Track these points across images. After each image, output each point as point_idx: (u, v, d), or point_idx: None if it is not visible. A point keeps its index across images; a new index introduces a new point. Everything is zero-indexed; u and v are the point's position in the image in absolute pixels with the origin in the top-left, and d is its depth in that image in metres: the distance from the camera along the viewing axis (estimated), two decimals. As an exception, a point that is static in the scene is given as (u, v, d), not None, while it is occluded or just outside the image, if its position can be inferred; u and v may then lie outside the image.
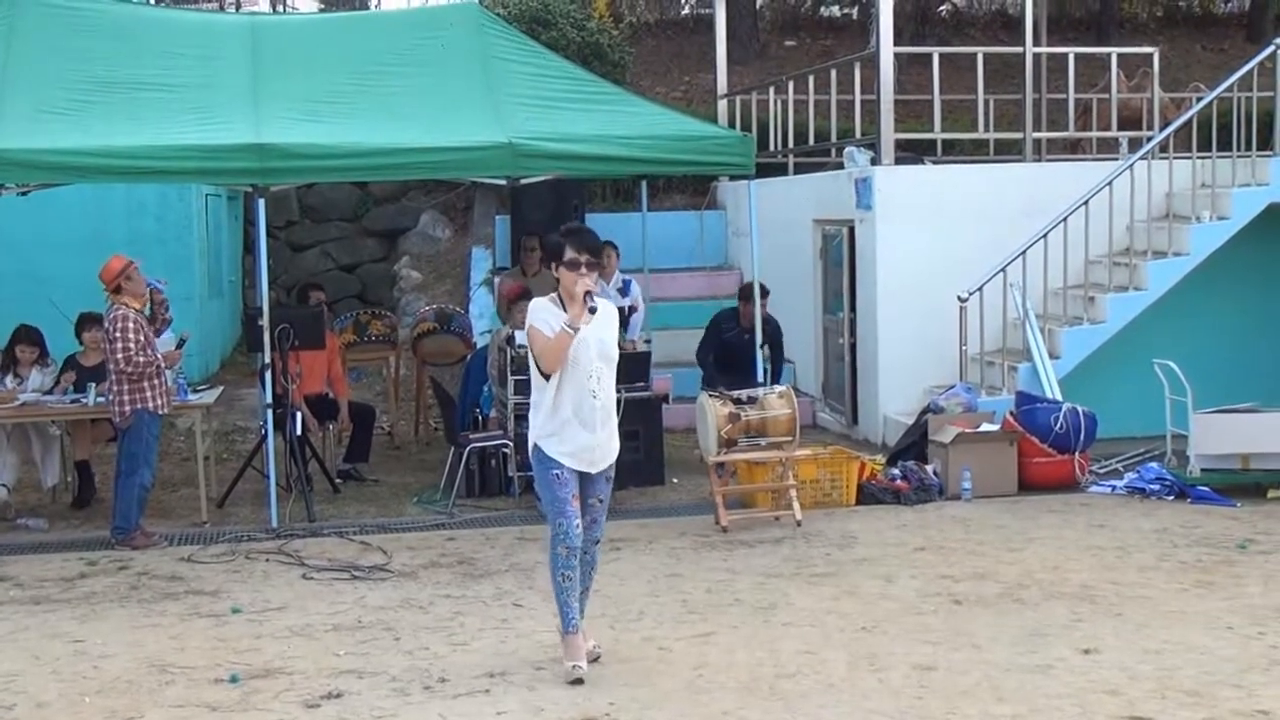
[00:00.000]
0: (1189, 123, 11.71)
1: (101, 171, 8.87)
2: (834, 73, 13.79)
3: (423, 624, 6.98)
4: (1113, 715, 5.59)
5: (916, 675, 6.09)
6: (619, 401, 6.39)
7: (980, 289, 10.94)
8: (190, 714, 5.81)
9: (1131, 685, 5.92)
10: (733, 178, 14.19)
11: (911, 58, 15.26)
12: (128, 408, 8.74)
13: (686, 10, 23.49)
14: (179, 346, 9.73)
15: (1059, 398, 10.41)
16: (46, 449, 9.98)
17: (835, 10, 23.68)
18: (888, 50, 11.80)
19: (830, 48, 20.39)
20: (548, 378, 6.07)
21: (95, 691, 6.10)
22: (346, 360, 11.64)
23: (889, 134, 11.82)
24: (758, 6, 21.59)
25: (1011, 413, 10.22)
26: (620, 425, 6.32)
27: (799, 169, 14.39)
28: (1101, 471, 10.33)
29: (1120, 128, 13.41)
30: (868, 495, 9.64)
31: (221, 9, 18.28)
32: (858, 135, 12.89)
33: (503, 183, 11.94)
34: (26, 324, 10.11)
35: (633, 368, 9.64)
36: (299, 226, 16.47)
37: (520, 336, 8.78)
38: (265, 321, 9.29)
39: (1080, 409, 10.00)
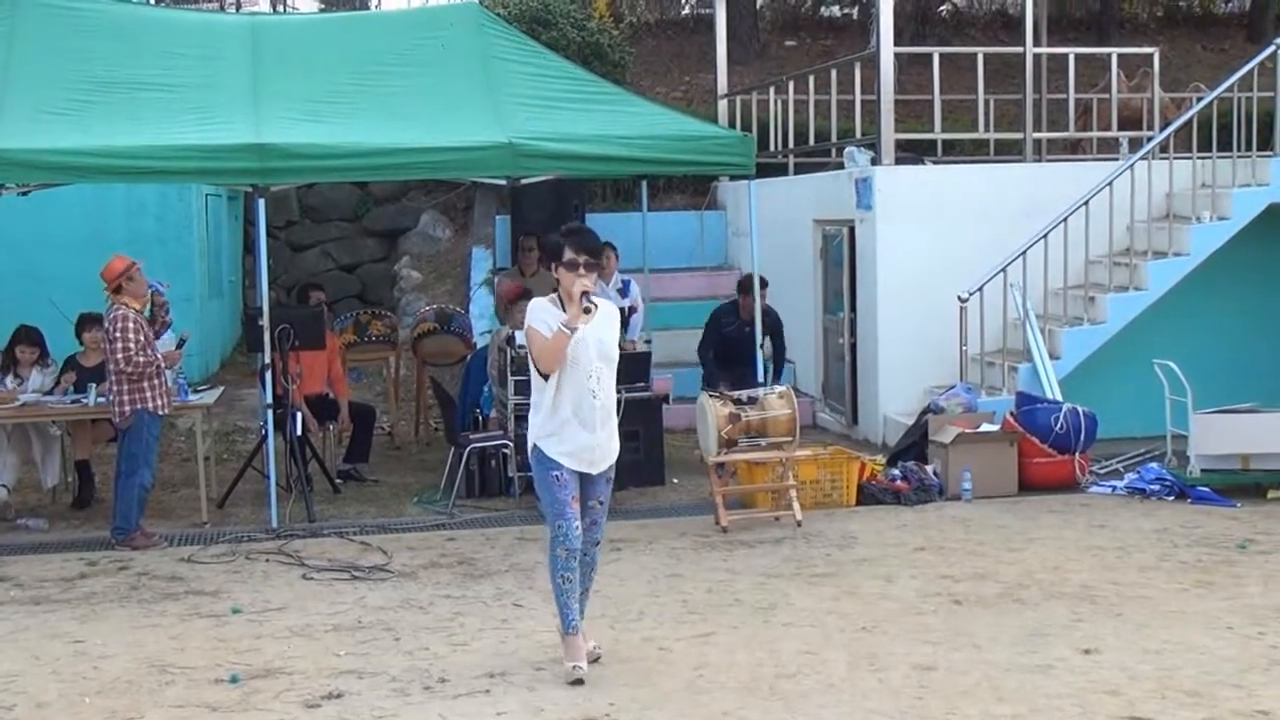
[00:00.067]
0: (1189, 123, 11.72)
1: (101, 171, 8.88)
2: (834, 73, 13.79)
3: (423, 624, 6.98)
4: (1113, 715, 5.59)
5: (917, 675, 6.09)
6: (620, 402, 6.38)
7: (980, 289, 10.94)
8: (190, 714, 5.81)
9: (1132, 685, 5.92)
10: (733, 178, 14.20)
11: (912, 58, 15.27)
12: (128, 408, 8.74)
13: (687, 10, 23.50)
14: (179, 346, 9.74)
15: (1059, 398, 10.41)
16: (47, 449, 9.99)
17: (835, 10, 23.69)
18: (888, 50, 11.80)
19: (830, 48, 20.39)
20: (546, 378, 6.07)
21: (95, 692, 6.10)
22: (347, 360, 11.64)
23: (889, 134, 11.82)
24: (758, 6, 21.59)
25: (1012, 413, 10.22)
26: (620, 426, 6.31)
27: (799, 169, 14.40)
28: (1102, 472, 10.33)
29: (1120, 128, 13.41)
30: (868, 495, 9.64)
31: (221, 9, 18.28)
32: (858, 135, 12.90)
33: (503, 183, 11.94)
34: (27, 324, 10.11)
35: (633, 368, 9.64)
36: (299, 226, 16.47)
37: (520, 337, 8.78)
38: (265, 322, 9.29)
39: (1080, 409, 10.00)
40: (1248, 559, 8.03)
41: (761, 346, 10.53)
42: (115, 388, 8.76)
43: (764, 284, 10.55)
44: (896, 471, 9.91)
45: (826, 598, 7.35)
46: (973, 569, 7.87)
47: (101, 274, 8.89)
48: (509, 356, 9.76)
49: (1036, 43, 13.68)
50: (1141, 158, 11.46)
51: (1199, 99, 12.28)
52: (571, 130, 9.48)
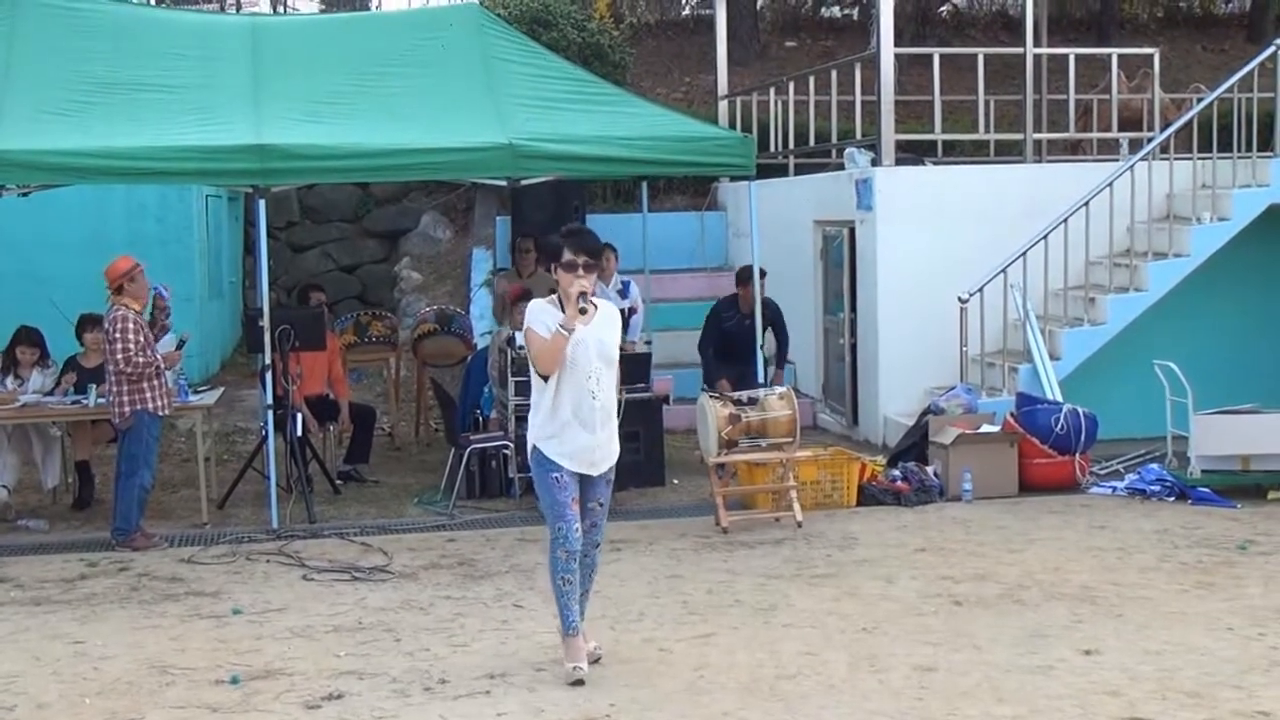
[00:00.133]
0: (1189, 123, 11.72)
1: (102, 172, 8.88)
2: (834, 73, 13.79)
3: (423, 625, 6.98)
4: (1113, 716, 5.58)
5: (917, 676, 6.09)
6: (621, 403, 6.38)
7: (981, 290, 10.94)
8: (191, 715, 5.81)
9: (1132, 686, 5.92)
10: (733, 178, 14.18)
11: (912, 58, 15.27)
12: (128, 409, 8.74)
13: (687, 11, 23.50)
14: (179, 347, 9.72)
15: (1059, 399, 10.40)
16: (47, 450, 9.99)
17: (836, 11, 23.70)
18: (888, 51, 11.80)
19: (831, 48, 20.39)
20: (546, 379, 6.07)
21: (95, 693, 6.09)
22: (347, 361, 11.64)
23: (889, 135, 11.82)
24: (758, 7, 21.59)
25: (1012, 414, 10.22)
26: (621, 426, 6.31)
27: (799, 170, 14.40)
28: (1102, 473, 10.33)
29: (1121, 128, 13.41)
30: (868, 496, 9.64)
31: (222, 10, 18.29)
32: (858, 136, 12.90)
33: (503, 184, 11.95)
34: (27, 325, 10.11)
35: (633, 369, 9.64)
36: (299, 227, 16.47)
37: (520, 338, 8.78)
38: (266, 322, 9.29)
39: (1081, 410, 10.00)
40: (1248, 560, 8.03)
41: (763, 346, 10.52)
42: (115, 388, 8.76)
43: (763, 274, 10.53)
44: (897, 472, 9.91)
45: (827, 599, 7.35)
46: (973, 570, 7.87)
47: (105, 272, 8.90)
48: (509, 357, 9.76)
49: (1037, 43, 13.67)
50: (1142, 158, 11.46)
51: (1199, 100, 12.28)
52: (572, 131, 9.48)
